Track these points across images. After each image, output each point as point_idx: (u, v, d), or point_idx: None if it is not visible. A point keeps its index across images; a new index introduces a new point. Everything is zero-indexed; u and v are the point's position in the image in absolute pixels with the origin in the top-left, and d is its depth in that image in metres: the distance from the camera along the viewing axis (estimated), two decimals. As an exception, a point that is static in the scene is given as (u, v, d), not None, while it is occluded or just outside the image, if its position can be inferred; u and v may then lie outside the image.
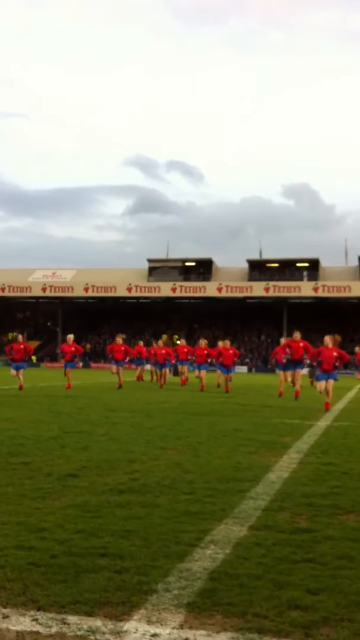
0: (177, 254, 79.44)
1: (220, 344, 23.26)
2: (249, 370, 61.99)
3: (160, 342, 26.60)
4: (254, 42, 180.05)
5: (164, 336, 69.99)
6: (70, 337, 21.38)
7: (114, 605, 3.18)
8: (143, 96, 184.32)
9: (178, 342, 72.11)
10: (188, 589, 3.40)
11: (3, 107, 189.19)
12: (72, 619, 3.03)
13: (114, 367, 22.43)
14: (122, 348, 22.15)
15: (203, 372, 22.66)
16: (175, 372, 41.68)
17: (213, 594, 3.34)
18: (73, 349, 21.33)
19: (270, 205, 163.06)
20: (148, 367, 28.12)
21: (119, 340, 22.52)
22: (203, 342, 23.52)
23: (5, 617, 3.04)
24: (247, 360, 65.61)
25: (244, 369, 61.46)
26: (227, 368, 21.39)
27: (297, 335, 18.16)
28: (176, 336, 74.51)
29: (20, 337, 20.78)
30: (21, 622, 2.99)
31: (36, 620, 3.01)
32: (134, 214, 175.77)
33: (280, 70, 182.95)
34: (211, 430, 10.32)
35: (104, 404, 15.81)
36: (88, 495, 5.44)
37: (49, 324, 77.87)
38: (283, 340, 22.79)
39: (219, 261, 76.87)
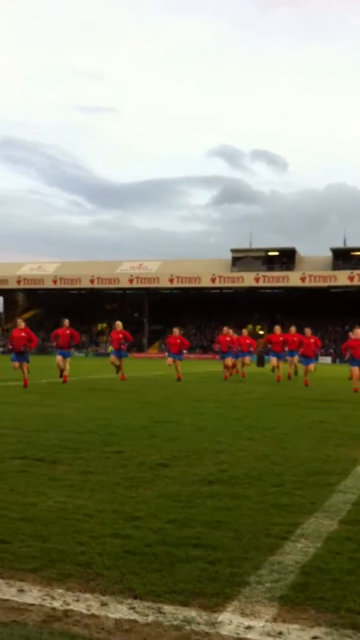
0: (260, 243, 79.03)
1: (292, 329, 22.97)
2: (333, 361, 61.09)
3: (245, 332, 26.41)
4: (338, 28, 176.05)
5: (249, 326, 69.81)
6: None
7: (208, 596, 3.24)
8: (227, 87, 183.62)
9: (261, 332, 71.11)
10: (280, 582, 3.43)
11: (92, 102, 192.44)
12: (167, 608, 3.11)
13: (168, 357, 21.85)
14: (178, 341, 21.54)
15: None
16: (260, 362, 41.52)
17: (305, 588, 3.36)
18: (121, 335, 20.94)
19: (356, 193, 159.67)
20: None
21: (176, 331, 22.14)
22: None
23: (104, 604, 3.15)
24: (331, 350, 64.66)
25: (328, 359, 60.62)
26: (307, 358, 20.85)
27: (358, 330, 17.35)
28: (259, 326, 74.30)
29: (66, 321, 19.65)
30: (119, 609, 3.10)
31: (133, 608, 3.11)
32: (218, 205, 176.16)
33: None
34: (297, 422, 10.28)
35: (190, 394, 15.97)
36: (178, 485, 5.54)
37: (135, 314, 78.98)
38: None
39: (302, 250, 76.16)
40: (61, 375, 18.63)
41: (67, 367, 18.89)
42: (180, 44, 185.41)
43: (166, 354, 22.18)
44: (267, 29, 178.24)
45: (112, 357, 21.48)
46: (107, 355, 21.24)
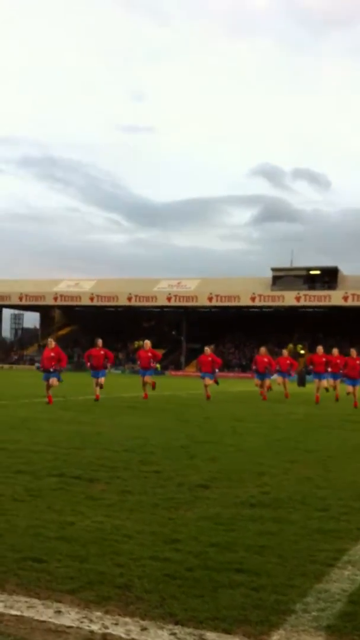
0: (301, 262, 78.37)
1: (334, 351, 22.53)
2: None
3: (285, 352, 26.06)
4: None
5: (290, 345, 69.29)
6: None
7: (253, 623, 3.11)
8: (267, 104, 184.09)
9: (302, 352, 70.19)
10: (327, 610, 3.28)
11: (132, 121, 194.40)
12: (210, 635, 2.99)
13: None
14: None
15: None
16: (301, 382, 41.06)
17: (353, 617, 3.21)
18: (150, 354, 20.47)
19: None
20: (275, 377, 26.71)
21: (208, 350, 21.87)
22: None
23: (144, 629, 3.04)
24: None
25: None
26: (353, 380, 20.36)
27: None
28: (300, 346, 73.65)
29: (99, 341, 19.62)
30: (159, 635, 2.98)
31: (174, 634, 2.99)
32: (258, 223, 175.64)
33: None
34: (341, 444, 10.05)
35: (230, 413, 15.79)
36: (219, 507, 5.41)
37: (173, 332, 78.96)
38: None
39: (345, 269, 75.30)
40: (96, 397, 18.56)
41: (100, 386, 18.85)
42: (220, 62, 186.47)
43: (200, 373, 21.83)
44: (310, 47, 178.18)
45: (146, 377, 20.88)
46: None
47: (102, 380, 18.94)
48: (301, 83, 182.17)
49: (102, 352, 19.30)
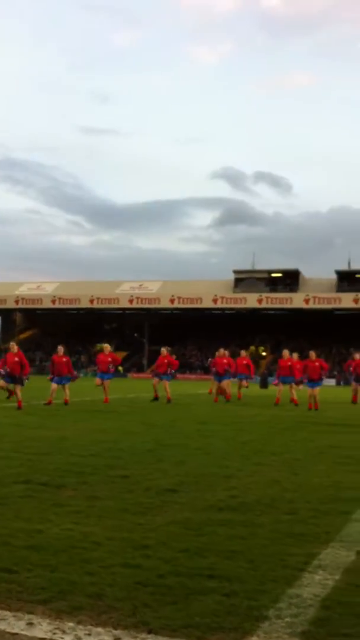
0: (263, 265, 78.99)
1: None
2: (338, 383, 60.82)
3: (243, 352, 26.13)
4: (341, 52, 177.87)
5: (252, 348, 69.65)
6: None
7: (227, 630, 3.09)
8: (231, 107, 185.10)
9: (263, 354, 70.95)
10: (300, 616, 3.28)
11: (95, 123, 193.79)
12: (184, 643, 2.97)
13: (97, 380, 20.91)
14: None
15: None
16: (263, 384, 41.30)
17: (327, 623, 3.21)
18: (109, 359, 20.49)
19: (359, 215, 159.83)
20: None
21: (164, 351, 21.80)
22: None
23: (117, 639, 3.00)
24: (335, 373, 64.40)
25: (332, 382, 60.36)
26: (313, 382, 20.50)
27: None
28: (261, 348, 74.11)
29: (61, 348, 19.44)
30: (133, 644, 2.95)
31: (148, 643, 2.96)
32: (220, 226, 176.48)
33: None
34: (306, 446, 10.11)
35: (195, 416, 15.81)
36: (188, 512, 5.39)
37: (135, 335, 78.82)
38: (357, 356, 22.09)
39: (306, 272, 76.17)
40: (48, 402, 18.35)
41: (67, 391, 18.73)
42: (184, 66, 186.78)
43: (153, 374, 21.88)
44: (274, 55, 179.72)
45: (97, 380, 20.72)
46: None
47: (67, 388, 18.78)
48: (263, 87, 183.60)
49: (64, 360, 19.20)
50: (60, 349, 19.42)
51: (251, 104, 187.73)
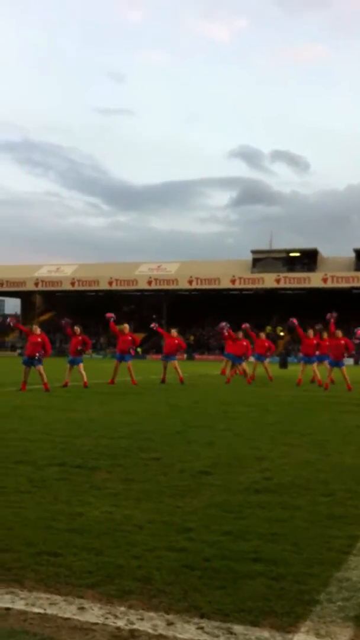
0: (281, 244, 78.48)
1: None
2: (355, 363, 60.56)
3: (263, 334, 25.92)
4: (355, 25, 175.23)
5: (268, 328, 69.40)
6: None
7: (279, 615, 3.08)
8: (247, 85, 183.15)
9: (281, 334, 70.09)
10: (352, 600, 3.27)
11: (112, 104, 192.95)
12: (238, 628, 2.96)
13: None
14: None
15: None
16: (283, 364, 41.18)
17: (379, 607, 3.20)
18: (129, 337, 20.33)
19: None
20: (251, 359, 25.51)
21: (173, 332, 21.61)
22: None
23: (170, 623, 3.00)
24: (354, 352, 64.15)
25: (350, 361, 60.10)
26: (337, 361, 20.29)
27: None
28: (279, 328, 73.89)
29: (77, 329, 19.37)
30: (187, 630, 2.94)
31: (202, 628, 2.95)
32: (237, 206, 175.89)
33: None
34: (334, 426, 10.08)
35: (218, 397, 15.80)
36: (225, 495, 5.38)
37: (154, 316, 78.85)
38: None
39: (324, 251, 75.58)
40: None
41: (83, 372, 18.69)
42: (200, 46, 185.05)
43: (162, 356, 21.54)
44: (288, 30, 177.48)
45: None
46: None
47: (82, 368, 18.77)
48: (280, 65, 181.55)
49: (79, 338, 19.23)
50: (77, 329, 19.40)
51: (266, 80, 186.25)
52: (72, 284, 77.96)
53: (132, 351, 20.59)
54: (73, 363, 18.99)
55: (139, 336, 64.15)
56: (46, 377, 16.77)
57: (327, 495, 5.43)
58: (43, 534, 4.17)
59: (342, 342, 20.01)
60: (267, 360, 24.16)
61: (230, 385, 20.59)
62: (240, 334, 22.92)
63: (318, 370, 21.47)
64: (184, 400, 14.62)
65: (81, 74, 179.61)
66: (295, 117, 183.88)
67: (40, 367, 17.01)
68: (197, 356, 66.85)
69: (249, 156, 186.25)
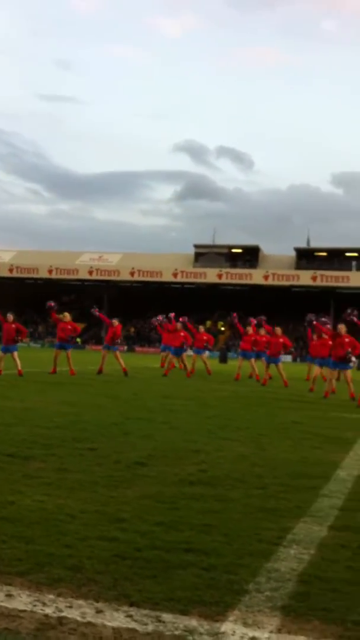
0: (223, 240, 79.05)
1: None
2: (294, 360, 61.53)
3: (202, 328, 26.04)
4: (304, 29, 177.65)
5: (208, 322, 69.89)
6: (10, 316, 19.01)
7: (208, 604, 3.11)
8: (196, 81, 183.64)
9: (222, 329, 71.01)
10: (280, 590, 3.32)
11: (57, 91, 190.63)
12: (167, 617, 2.97)
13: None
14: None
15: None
16: (223, 359, 41.52)
17: (306, 597, 3.25)
18: (69, 326, 20.28)
19: (318, 194, 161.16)
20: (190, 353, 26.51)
21: (115, 322, 21.39)
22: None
23: (99, 611, 2.99)
24: (292, 350, 65.12)
25: (288, 358, 61.02)
26: (275, 358, 20.54)
27: (342, 328, 16.13)
28: (220, 323, 74.55)
29: (10, 316, 19.18)
30: (116, 617, 2.94)
31: (131, 616, 2.96)
32: (181, 200, 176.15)
33: (330, 57, 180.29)
34: (270, 422, 10.21)
35: (157, 390, 15.82)
36: (159, 486, 5.40)
37: (94, 306, 78.42)
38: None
39: (266, 249, 76.47)
40: None
41: (17, 361, 18.44)
42: (148, 37, 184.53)
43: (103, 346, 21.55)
44: (237, 28, 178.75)
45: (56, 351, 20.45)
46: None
47: (15, 357, 18.51)
48: (229, 61, 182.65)
49: (13, 326, 18.97)
50: (10, 316, 19.08)
51: (215, 78, 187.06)
52: (10, 270, 76.82)
53: (72, 340, 20.35)
54: (6, 351, 18.68)
55: (79, 326, 63.86)
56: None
57: (260, 488, 5.50)
58: (-28, 522, 4.10)
59: (281, 340, 20.27)
60: (207, 354, 24.31)
61: (169, 379, 20.64)
62: (179, 326, 23.00)
63: (256, 366, 21.77)
64: (123, 392, 14.58)
65: (28, 60, 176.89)
66: (242, 116, 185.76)
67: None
68: (137, 348, 66.79)
69: (194, 151, 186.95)
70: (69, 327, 20.17)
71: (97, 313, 23.37)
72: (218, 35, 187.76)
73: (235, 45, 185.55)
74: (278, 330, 20.56)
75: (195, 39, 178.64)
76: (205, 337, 24.02)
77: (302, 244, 75.52)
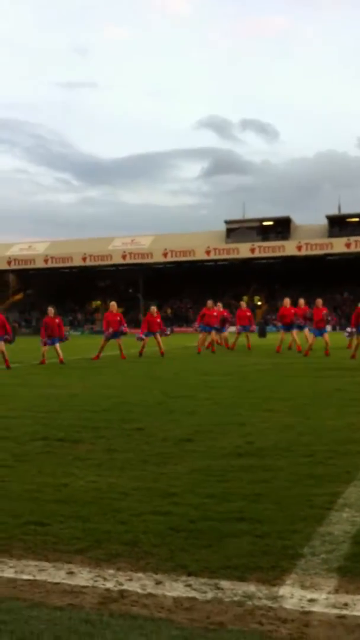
0: (254, 214, 78.45)
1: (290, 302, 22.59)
2: (333, 328, 61.07)
3: (243, 304, 26.09)
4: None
5: (245, 298, 69.63)
6: (52, 309, 19.44)
7: (264, 570, 3.16)
8: (214, 55, 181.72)
9: (259, 303, 70.40)
10: (335, 552, 3.36)
11: (77, 77, 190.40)
12: (225, 584, 3.03)
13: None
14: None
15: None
16: (262, 334, 41.39)
17: (361, 557, 3.28)
18: (118, 317, 20.21)
19: (346, 159, 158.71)
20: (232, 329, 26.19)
21: (154, 309, 21.38)
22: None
23: (159, 582, 3.06)
24: (329, 318, 64.60)
25: (328, 327, 60.59)
26: (321, 329, 20.46)
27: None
28: (257, 297, 74.23)
29: (51, 310, 19.51)
30: (175, 587, 3.01)
31: (190, 585, 3.02)
32: (208, 177, 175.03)
33: (351, 20, 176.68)
34: (313, 391, 10.21)
35: (197, 368, 15.90)
36: (208, 460, 5.46)
37: (130, 290, 78.67)
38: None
39: (297, 219, 75.68)
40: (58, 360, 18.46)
41: (59, 350, 18.63)
42: (162, 15, 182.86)
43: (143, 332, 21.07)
44: (250, 1, 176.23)
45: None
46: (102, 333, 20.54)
47: (58, 347, 18.72)
48: (244, 33, 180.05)
49: (57, 321, 19.30)
50: (51, 310, 19.37)
51: (232, 50, 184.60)
52: (46, 261, 77.41)
53: (124, 329, 20.37)
54: (51, 344, 18.94)
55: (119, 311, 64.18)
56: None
57: (308, 456, 5.53)
58: (29, 506, 4.22)
59: (324, 311, 20.25)
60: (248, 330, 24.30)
61: (209, 355, 20.69)
62: (210, 303, 23.08)
63: (298, 337, 21.77)
64: (164, 372, 14.70)
65: (43, 48, 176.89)
66: (264, 87, 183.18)
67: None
68: (176, 329, 66.96)
69: (218, 126, 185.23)
70: (117, 319, 20.19)
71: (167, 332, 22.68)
72: (232, 6, 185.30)
73: (251, 14, 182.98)
74: (319, 302, 20.56)
75: (207, 13, 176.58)
76: (248, 314, 24.06)
77: (334, 211, 74.55)
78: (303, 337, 22.28)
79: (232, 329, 24.82)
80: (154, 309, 21.50)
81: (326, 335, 20.09)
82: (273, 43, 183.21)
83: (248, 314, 24.29)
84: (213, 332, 22.85)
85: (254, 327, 25.00)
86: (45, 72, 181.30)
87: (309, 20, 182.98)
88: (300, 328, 22.03)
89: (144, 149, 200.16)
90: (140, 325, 23.52)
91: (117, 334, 20.03)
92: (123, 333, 20.14)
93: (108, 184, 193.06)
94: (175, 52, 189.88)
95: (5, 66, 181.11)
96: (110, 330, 19.87)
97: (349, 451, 5.67)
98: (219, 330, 23.29)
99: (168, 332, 22.06)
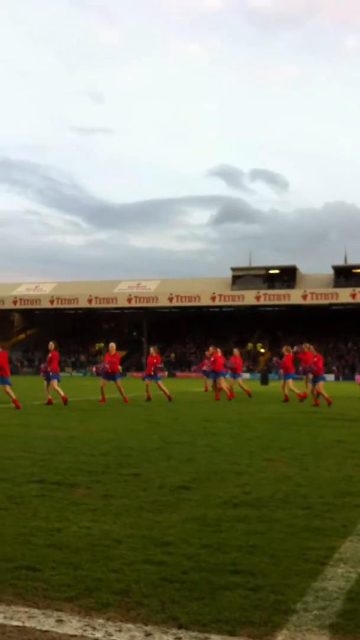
0: (260, 262, 79.01)
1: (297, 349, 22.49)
2: (336, 378, 60.90)
3: (236, 351, 26.07)
4: (330, 46, 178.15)
5: (249, 345, 69.65)
6: (52, 345, 19.50)
7: (256, 624, 3.12)
8: (224, 104, 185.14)
9: (262, 350, 70.47)
10: (328, 609, 3.31)
11: (91, 123, 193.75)
12: (215, 638, 2.98)
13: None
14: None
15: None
16: (264, 381, 41.30)
17: (354, 615, 3.24)
18: (115, 359, 20.33)
19: (354, 210, 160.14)
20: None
21: (153, 351, 21.44)
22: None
23: (148, 634, 3.02)
24: (334, 368, 64.50)
25: (331, 377, 60.44)
26: (316, 377, 20.35)
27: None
28: (260, 344, 74.19)
29: (52, 345, 19.55)
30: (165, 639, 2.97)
31: (179, 639, 2.98)
32: (217, 224, 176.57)
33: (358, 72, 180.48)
34: (313, 441, 10.14)
35: (198, 413, 15.83)
36: (204, 509, 5.41)
37: (134, 333, 78.80)
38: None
39: (303, 268, 76.18)
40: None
41: (59, 389, 18.60)
42: (177, 64, 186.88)
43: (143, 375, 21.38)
44: (264, 48, 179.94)
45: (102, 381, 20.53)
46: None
47: (55, 384, 18.68)
48: (257, 83, 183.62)
49: (56, 354, 19.35)
50: (52, 344, 19.37)
51: (246, 100, 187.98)
52: (51, 302, 77.86)
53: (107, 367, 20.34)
54: (48, 379, 18.94)
55: (120, 354, 64.15)
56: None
57: (305, 508, 5.48)
58: (21, 549, 4.18)
59: (315, 359, 20.14)
60: (241, 377, 24.42)
61: (210, 402, 20.62)
62: (211, 350, 23.23)
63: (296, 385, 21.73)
64: (164, 416, 14.63)
65: (59, 92, 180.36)
66: (273, 137, 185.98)
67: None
68: (178, 373, 66.84)
69: (229, 175, 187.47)
70: (114, 360, 20.28)
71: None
72: (242, 56, 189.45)
73: (260, 64, 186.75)
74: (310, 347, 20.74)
75: (219, 61, 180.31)
76: (238, 361, 24.07)
77: (340, 262, 75.04)
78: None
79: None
80: (152, 349, 21.57)
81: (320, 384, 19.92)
82: (284, 93, 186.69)
83: (237, 360, 24.33)
84: (221, 378, 22.82)
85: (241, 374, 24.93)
86: (60, 117, 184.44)
87: (317, 69, 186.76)
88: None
89: (154, 194, 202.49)
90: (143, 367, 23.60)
91: (116, 376, 20.04)
92: (121, 374, 20.25)
93: (117, 227, 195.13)
94: (189, 98, 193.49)
95: (21, 109, 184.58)
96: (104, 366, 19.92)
97: (346, 504, 5.62)
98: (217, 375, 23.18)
99: (158, 377, 21.54)
